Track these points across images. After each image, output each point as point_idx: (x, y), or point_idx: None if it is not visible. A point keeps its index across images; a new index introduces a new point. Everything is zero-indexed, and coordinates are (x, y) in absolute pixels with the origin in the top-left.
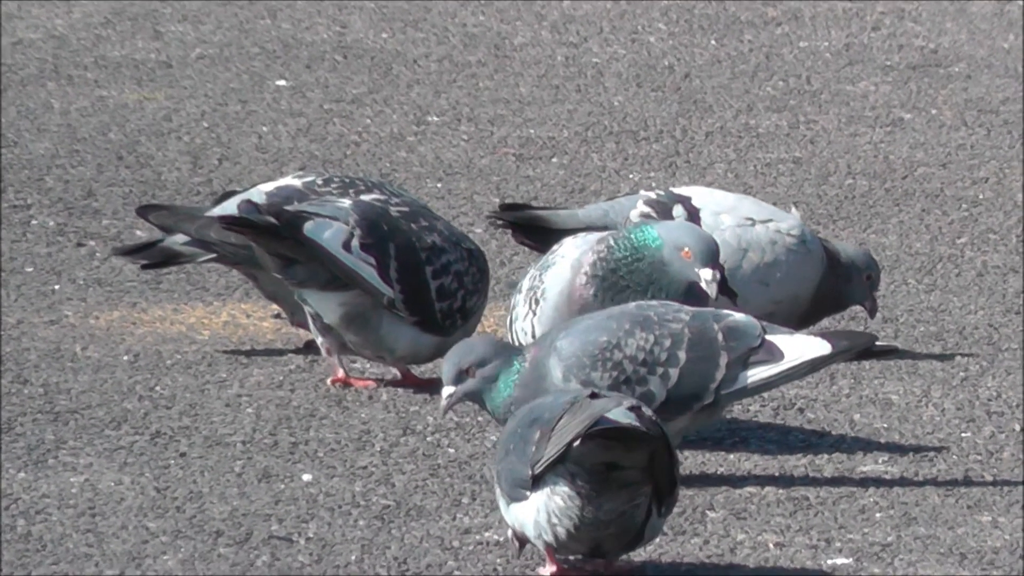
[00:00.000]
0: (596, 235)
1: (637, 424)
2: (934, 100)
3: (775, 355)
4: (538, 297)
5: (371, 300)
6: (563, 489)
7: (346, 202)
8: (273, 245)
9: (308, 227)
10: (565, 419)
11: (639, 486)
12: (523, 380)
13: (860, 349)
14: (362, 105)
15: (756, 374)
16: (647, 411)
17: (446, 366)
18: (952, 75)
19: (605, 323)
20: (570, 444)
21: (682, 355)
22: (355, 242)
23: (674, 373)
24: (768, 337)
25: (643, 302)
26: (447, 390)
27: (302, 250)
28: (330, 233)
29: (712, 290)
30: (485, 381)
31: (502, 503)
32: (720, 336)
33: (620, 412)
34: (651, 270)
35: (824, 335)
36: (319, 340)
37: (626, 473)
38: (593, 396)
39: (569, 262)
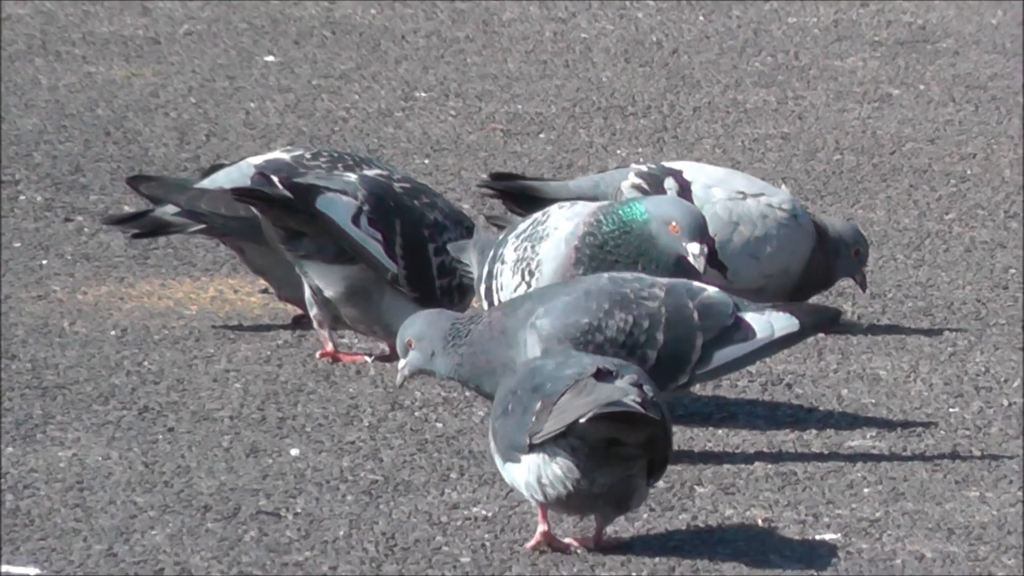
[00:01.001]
0: (585, 207)
1: (642, 409)
2: (922, 76)
3: (748, 333)
4: (532, 269)
5: (374, 275)
6: (561, 460)
7: (352, 176)
8: (283, 218)
9: (320, 201)
10: (569, 396)
11: (636, 461)
12: (470, 341)
13: (828, 324)
14: (350, 81)
15: (729, 354)
16: (648, 389)
17: (397, 340)
18: (940, 51)
19: (584, 302)
20: (575, 422)
21: (660, 337)
22: (363, 217)
23: (652, 356)
24: (740, 315)
25: (617, 275)
26: (400, 363)
27: (312, 223)
28: (341, 207)
29: (700, 264)
30: (425, 352)
31: (497, 460)
32: (695, 315)
33: (625, 392)
34: (639, 243)
35: (791, 310)
36: (313, 312)
37: (625, 449)
38: (599, 374)
39: (563, 235)
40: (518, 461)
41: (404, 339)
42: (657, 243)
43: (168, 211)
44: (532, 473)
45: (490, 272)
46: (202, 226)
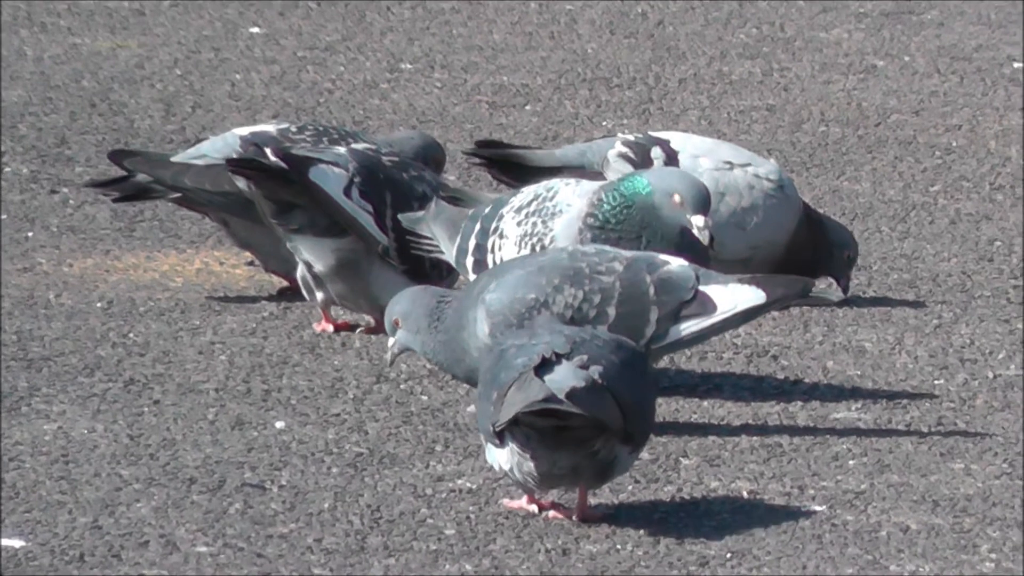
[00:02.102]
0: (591, 185)
1: (563, 405)
2: (907, 47)
3: (708, 307)
4: (546, 245)
5: (364, 248)
6: (520, 447)
7: (342, 149)
8: (276, 190)
9: (313, 172)
10: (514, 388)
11: (592, 441)
12: (445, 327)
13: (796, 296)
14: (335, 52)
15: (687, 328)
16: (595, 373)
17: (384, 318)
18: (925, 22)
19: (534, 277)
20: (513, 418)
21: (611, 311)
22: (355, 189)
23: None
24: (702, 288)
25: (578, 249)
26: (389, 341)
27: (305, 195)
28: (333, 178)
29: (705, 237)
30: (411, 331)
31: (483, 440)
32: (652, 290)
33: (560, 383)
34: (642, 217)
35: (758, 282)
36: (320, 297)
37: (575, 432)
38: (543, 364)
39: (576, 213)
40: (496, 446)
41: (391, 317)
42: (660, 216)
43: (149, 178)
44: (507, 463)
45: (480, 245)
46: (181, 195)
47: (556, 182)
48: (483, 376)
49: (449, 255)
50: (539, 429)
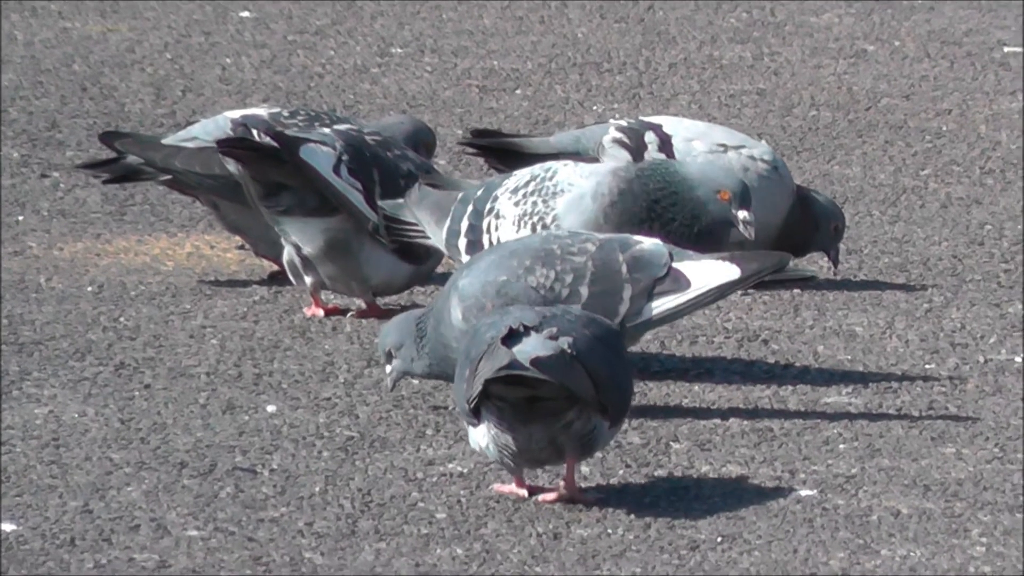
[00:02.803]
0: (603, 166)
1: (537, 373)
2: (897, 31)
3: (681, 284)
4: (548, 223)
5: (354, 227)
6: (494, 422)
7: (327, 130)
8: (266, 170)
9: (303, 150)
10: (484, 361)
11: (564, 412)
12: (427, 337)
13: (771, 271)
14: (326, 37)
15: (661, 305)
16: (564, 343)
17: (379, 351)
18: (915, 7)
19: (506, 261)
20: (484, 388)
21: (584, 291)
22: (343, 167)
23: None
24: (676, 264)
25: (552, 233)
26: (387, 369)
27: (295, 174)
28: (322, 157)
29: (750, 232)
30: (405, 359)
31: (464, 422)
32: (624, 268)
33: (527, 351)
34: (692, 208)
35: (734, 258)
36: (309, 281)
37: (547, 403)
38: (511, 335)
39: (587, 192)
40: (474, 426)
41: (384, 349)
42: (708, 210)
43: (140, 160)
44: (485, 441)
45: (473, 226)
46: (171, 177)
47: (552, 163)
48: (459, 358)
49: (437, 239)
50: (511, 402)
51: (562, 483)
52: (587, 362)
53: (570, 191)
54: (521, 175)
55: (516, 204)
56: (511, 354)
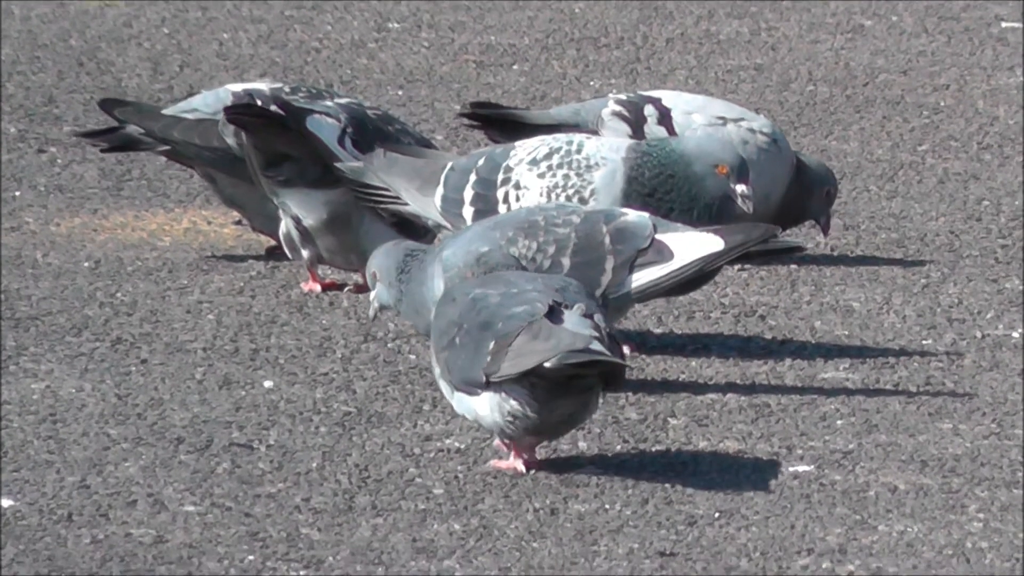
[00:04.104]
0: (621, 143)
1: (609, 355)
2: (895, 7)
3: (664, 255)
4: (586, 197)
5: (355, 199)
6: (521, 395)
7: (330, 103)
8: (270, 140)
9: (309, 121)
10: (525, 338)
11: (594, 389)
12: (408, 279)
13: (756, 243)
14: (323, 12)
15: (644, 276)
16: (600, 319)
17: (366, 272)
18: None
19: (489, 232)
20: (537, 367)
21: (566, 262)
22: (347, 139)
23: None
24: (659, 236)
25: (539, 205)
26: (371, 295)
27: (299, 144)
28: (327, 128)
29: (749, 205)
30: (385, 284)
31: (445, 387)
32: (608, 239)
33: (587, 336)
34: (688, 188)
35: (718, 230)
36: (305, 255)
37: (585, 381)
38: (551, 312)
39: (619, 169)
40: (475, 395)
41: (370, 270)
42: (704, 186)
43: (139, 129)
44: (495, 412)
45: (481, 195)
46: (169, 147)
47: (573, 136)
48: (458, 323)
49: (419, 204)
50: (551, 378)
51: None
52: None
53: (605, 165)
54: (532, 145)
55: (542, 176)
56: (584, 338)
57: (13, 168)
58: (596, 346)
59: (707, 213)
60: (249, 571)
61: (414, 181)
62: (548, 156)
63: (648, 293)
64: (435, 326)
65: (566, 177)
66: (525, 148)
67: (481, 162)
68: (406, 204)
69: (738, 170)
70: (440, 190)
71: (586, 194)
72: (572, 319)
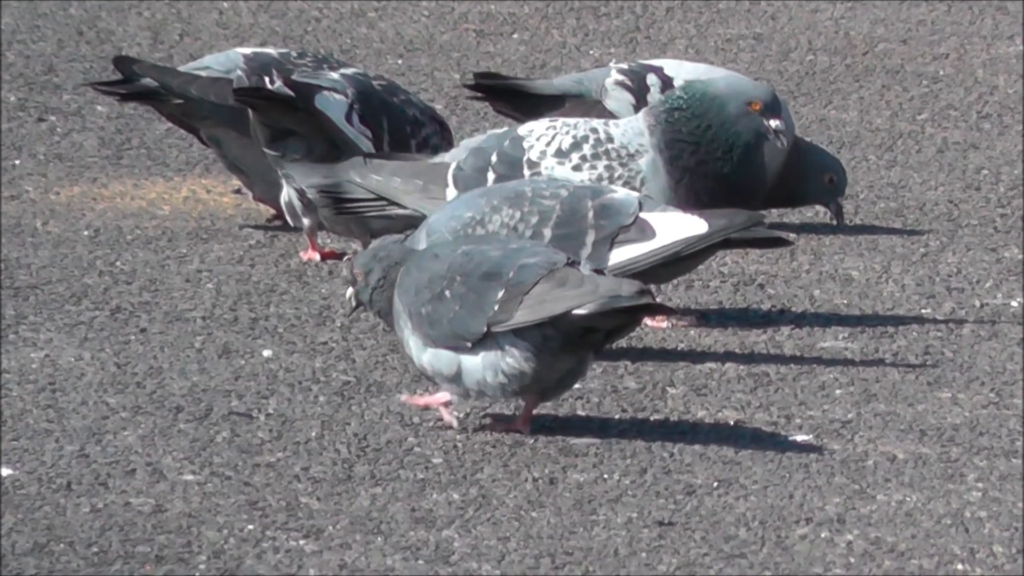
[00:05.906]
0: (637, 120)
1: (653, 299)
2: None
3: (647, 233)
4: (636, 186)
5: (335, 215)
6: (524, 348)
7: (336, 75)
8: (279, 118)
9: (318, 99)
10: (547, 286)
11: (602, 343)
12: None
13: (739, 228)
14: None
15: (623, 253)
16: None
17: (348, 270)
18: None
19: (475, 200)
20: (565, 313)
21: (548, 232)
22: (354, 114)
23: None
24: (644, 215)
25: (532, 179)
26: (348, 292)
27: (307, 122)
28: (335, 105)
29: (783, 141)
30: (367, 286)
31: (413, 343)
32: (591, 214)
33: (618, 283)
34: (727, 130)
35: (703, 214)
36: (306, 222)
37: (597, 335)
38: (571, 264)
39: (659, 154)
40: (462, 350)
41: (353, 269)
42: (741, 125)
43: (154, 83)
44: (485, 367)
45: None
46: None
47: (590, 121)
48: (447, 276)
49: (422, 206)
50: (567, 332)
51: (518, 420)
52: None
53: (645, 152)
54: (542, 135)
55: (577, 168)
56: (636, 283)
57: (13, 137)
58: (630, 292)
59: (746, 154)
60: (248, 540)
61: (414, 183)
62: (576, 147)
63: (627, 271)
64: (410, 281)
65: (609, 168)
66: (537, 138)
67: (494, 159)
68: (404, 208)
69: (771, 105)
70: (452, 191)
71: (637, 184)
72: (587, 271)
